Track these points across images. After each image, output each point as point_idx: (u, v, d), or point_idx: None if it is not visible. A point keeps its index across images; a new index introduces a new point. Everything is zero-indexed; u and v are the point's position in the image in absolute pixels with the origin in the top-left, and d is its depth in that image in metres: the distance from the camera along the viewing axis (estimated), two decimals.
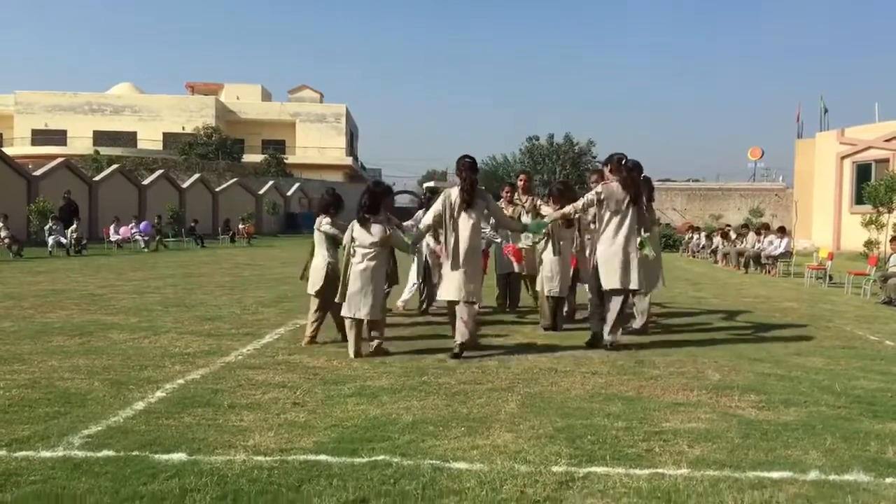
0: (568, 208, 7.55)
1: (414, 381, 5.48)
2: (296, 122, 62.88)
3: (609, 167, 7.28)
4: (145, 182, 33.06)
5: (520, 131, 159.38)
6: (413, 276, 9.56)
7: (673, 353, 6.82)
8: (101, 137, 56.73)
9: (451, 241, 6.70)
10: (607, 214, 7.08)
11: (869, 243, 16.59)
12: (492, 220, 7.62)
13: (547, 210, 8.68)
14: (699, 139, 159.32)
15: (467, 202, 6.71)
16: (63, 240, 20.61)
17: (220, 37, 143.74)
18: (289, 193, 45.25)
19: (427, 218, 7.02)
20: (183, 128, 57.51)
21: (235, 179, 40.47)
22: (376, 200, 6.86)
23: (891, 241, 12.83)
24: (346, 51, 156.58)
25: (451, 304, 6.84)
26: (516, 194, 9.84)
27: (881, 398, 5.14)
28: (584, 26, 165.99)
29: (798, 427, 4.36)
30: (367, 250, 6.66)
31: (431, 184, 67.91)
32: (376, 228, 6.71)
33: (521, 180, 10.00)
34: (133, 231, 24.04)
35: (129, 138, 58.02)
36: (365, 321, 6.63)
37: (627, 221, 7.04)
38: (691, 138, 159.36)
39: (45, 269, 15.38)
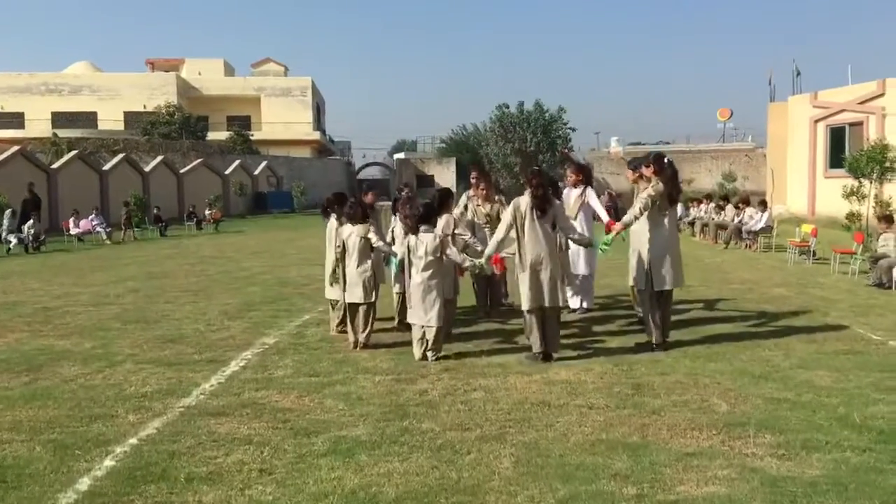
0: (629, 216, 7.23)
1: (394, 429, 4.95)
2: (261, 97, 61.39)
3: (652, 167, 7.28)
4: (106, 167, 31.94)
5: (490, 99, 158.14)
6: (392, 283, 8.82)
7: (670, 370, 6.36)
8: (59, 119, 55.00)
9: (528, 249, 6.72)
10: (657, 215, 7.13)
11: (851, 216, 16.26)
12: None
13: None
14: (668, 101, 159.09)
15: (541, 209, 6.69)
16: (21, 237, 19.67)
17: (180, 10, 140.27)
18: (256, 172, 44.18)
19: (501, 230, 6.96)
20: (144, 106, 55.85)
21: (200, 160, 39.31)
22: (432, 212, 7.16)
23: (878, 219, 12.49)
24: (310, 22, 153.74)
25: (534, 313, 6.75)
26: (478, 194, 9.23)
27: None
28: None
29: (828, 487, 3.89)
30: (424, 262, 6.90)
31: (401, 155, 67.15)
32: (432, 241, 6.91)
33: (473, 178, 9.42)
34: (94, 223, 23.12)
35: (88, 119, 56.31)
36: (427, 330, 6.86)
37: (672, 220, 7.30)
38: (660, 101, 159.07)
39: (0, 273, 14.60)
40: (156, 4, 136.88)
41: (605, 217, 8.86)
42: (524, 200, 6.82)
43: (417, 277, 6.92)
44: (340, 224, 7.70)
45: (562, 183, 9.57)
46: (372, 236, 7.45)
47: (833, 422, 4.94)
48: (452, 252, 7.17)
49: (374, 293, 7.46)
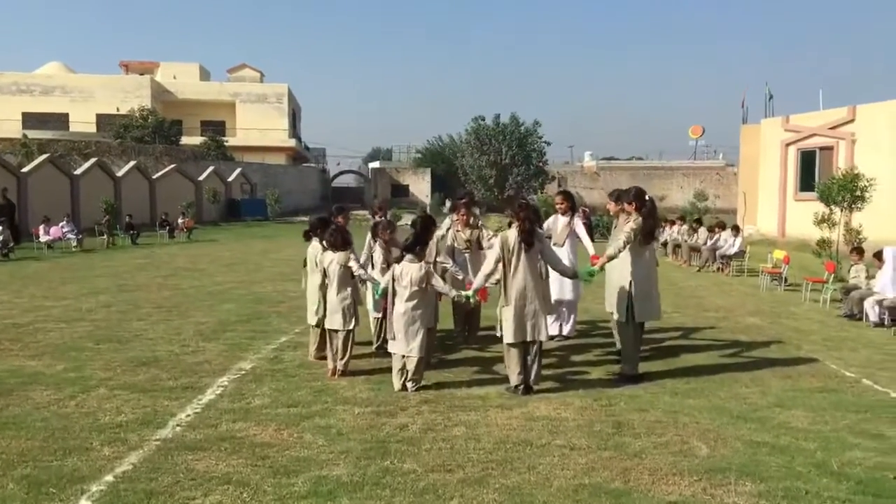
0: (613, 250, 7.30)
1: (375, 468, 4.91)
2: (236, 103, 60.94)
3: (633, 203, 7.39)
4: (77, 171, 31.49)
5: (466, 111, 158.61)
6: (370, 308, 8.74)
7: (649, 406, 6.39)
8: (30, 120, 54.16)
9: (514, 283, 6.77)
10: (639, 248, 7.26)
11: (822, 242, 16.50)
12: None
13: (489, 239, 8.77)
14: (641, 117, 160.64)
15: (528, 244, 6.74)
16: None
17: (156, 13, 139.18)
18: (230, 179, 43.83)
19: (489, 264, 6.97)
20: (117, 109, 55.21)
21: (173, 166, 38.92)
22: (418, 241, 7.12)
23: (850, 251, 12.68)
24: (286, 28, 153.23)
25: (516, 346, 6.80)
26: (470, 216, 9.23)
27: (883, 483, 4.75)
28: (528, 7, 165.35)
29: None
30: (409, 291, 6.86)
31: (377, 164, 67.04)
32: (418, 271, 6.89)
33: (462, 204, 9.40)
34: (65, 230, 22.78)
35: (60, 120, 55.51)
36: (408, 360, 6.84)
37: (651, 253, 7.49)
38: (633, 116, 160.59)
39: None
40: (131, 6, 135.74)
41: (590, 248, 8.98)
42: (512, 234, 6.85)
43: (401, 307, 6.88)
44: (324, 250, 7.66)
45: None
46: (353, 265, 7.42)
47: (812, 468, 4.98)
48: (438, 282, 7.15)
49: (353, 320, 7.42)
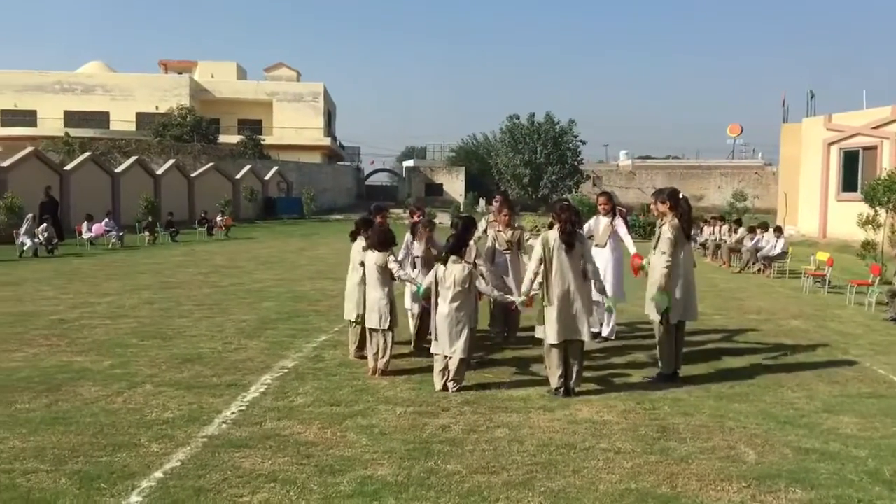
0: (665, 261, 7.22)
1: (420, 469, 4.91)
2: (272, 102, 61.53)
3: (667, 203, 7.39)
4: (118, 169, 32.01)
5: (500, 110, 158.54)
6: (408, 304, 8.79)
7: (694, 411, 6.32)
8: (72, 118, 55.25)
9: (555, 283, 6.73)
10: (678, 250, 7.23)
11: (867, 244, 16.18)
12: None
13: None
14: (678, 115, 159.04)
15: (570, 245, 6.71)
16: (35, 240, 19.66)
17: (194, 12, 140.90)
18: (266, 177, 44.25)
19: (533, 265, 6.91)
20: (156, 107, 56.06)
21: (211, 164, 39.39)
22: (461, 243, 7.17)
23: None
24: (323, 28, 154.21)
25: (558, 347, 6.77)
26: (500, 220, 9.20)
27: None
28: (563, 6, 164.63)
29: None
30: (452, 292, 6.86)
31: (411, 163, 67.16)
32: (461, 271, 6.89)
33: (496, 202, 9.43)
34: (106, 228, 23.17)
35: (101, 118, 56.53)
36: (450, 361, 6.82)
37: (687, 253, 7.44)
38: (670, 114, 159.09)
39: (13, 280, 14.60)
40: (170, 6, 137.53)
41: (631, 248, 8.94)
42: (552, 235, 6.83)
43: (445, 308, 6.89)
44: (365, 249, 7.71)
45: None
46: (392, 266, 7.44)
47: (864, 476, 4.88)
48: (481, 283, 7.16)
49: (389, 320, 7.43)
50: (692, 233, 8.32)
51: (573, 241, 6.76)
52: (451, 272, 6.93)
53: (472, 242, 7.93)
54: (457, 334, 6.84)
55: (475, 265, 7.77)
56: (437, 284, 7.01)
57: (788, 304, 12.79)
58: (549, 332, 6.78)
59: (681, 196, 7.54)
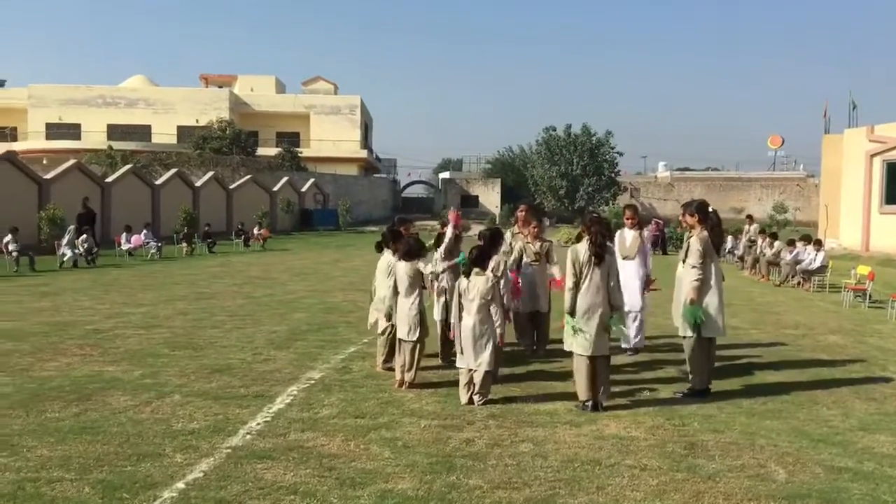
0: (696, 275, 7.16)
1: (441, 483, 4.87)
2: (310, 115, 62.21)
3: (697, 216, 7.31)
4: (158, 182, 32.56)
5: (537, 122, 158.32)
6: (437, 315, 8.71)
7: (724, 427, 6.18)
8: (115, 131, 56.42)
9: (586, 296, 6.67)
10: (707, 263, 7.19)
11: None
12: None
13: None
14: (717, 126, 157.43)
15: (600, 258, 6.66)
16: (76, 251, 20.04)
17: (235, 27, 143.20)
18: (303, 190, 44.68)
19: (570, 281, 6.84)
20: (197, 121, 57.02)
21: (249, 177, 39.91)
22: (485, 254, 7.10)
23: None
24: (359, 41, 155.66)
25: (584, 360, 6.71)
26: (529, 232, 9.18)
27: None
28: (600, 16, 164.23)
29: None
30: (476, 304, 6.81)
31: (447, 174, 67.28)
32: (485, 283, 6.85)
33: (521, 212, 9.41)
34: (145, 239, 23.55)
35: (143, 132, 57.63)
36: (475, 373, 6.77)
37: (717, 267, 7.32)
38: (709, 125, 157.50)
39: (53, 290, 14.88)
40: (211, 22, 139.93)
41: (649, 264, 9.18)
42: (582, 248, 6.76)
43: (469, 320, 6.84)
44: (396, 260, 7.73)
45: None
46: (420, 265, 7.45)
47: None
48: (496, 312, 6.95)
49: (418, 330, 7.40)
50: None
51: (604, 253, 6.69)
52: (475, 284, 6.88)
53: (499, 256, 7.87)
54: (482, 347, 6.79)
55: (498, 281, 7.70)
56: (461, 297, 6.97)
57: (827, 319, 12.51)
58: (578, 344, 6.70)
59: (710, 209, 7.43)
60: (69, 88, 59.27)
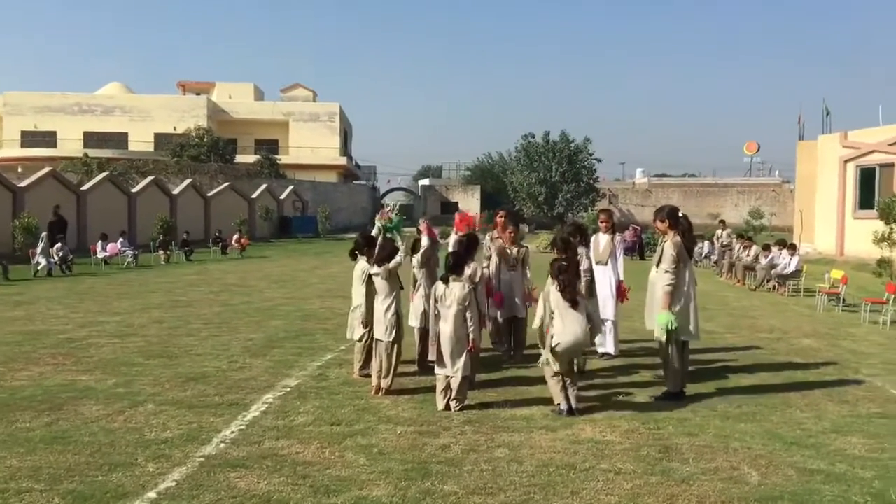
0: (670, 280, 7.15)
1: (416, 490, 4.85)
2: (289, 122, 62.07)
3: (668, 221, 7.36)
4: (135, 190, 32.30)
5: (515, 129, 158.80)
6: (413, 322, 8.70)
7: (699, 431, 6.21)
8: (91, 138, 55.98)
9: (564, 334, 6.61)
10: (680, 267, 7.17)
11: (882, 262, 15.98)
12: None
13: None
14: (694, 133, 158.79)
15: (573, 303, 6.67)
16: (50, 260, 19.80)
17: (213, 35, 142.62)
18: (282, 197, 44.52)
19: (536, 322, 6.93)
20: (174, 128, 56.72)
21: (228, 184, 39.70)
22: (461, 261, 7.15)
23: None
24: (339, 48, 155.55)
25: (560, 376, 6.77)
26: (505, 237, 9.16)
27: None
28: (578, 23, 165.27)
29: None
30: (453, 311, 6.82)
31: (426, 181, 67.31)
32: (461, 289, 6.86)
33: (500, 217, 9.42)
34: (121, 247, 23.33)
35: (119, 139, 57.21)
36: (452, 380, 6.78)
37: (690, 272, 7.35)
38: (686, 132, 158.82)
39: (27, 299, 14.71)
40: (189, 29, 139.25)
41: (621, 271, 9.17)
42: (554, 294, 6.74)
43: (447, 328, 6.83)
44: (371, 266, 7.72)
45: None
46: (393, 262, 7.40)
47: (869, 498, 4.77)
48: (470, 317, 6.94)
49: (395, 332, 7.38)
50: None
51: (576, 299, 6.72)
52: (452, 290, 6.88)
53: (476, 263, 7.93)
54: (458, 353, 6.78)
55: (475, 288, 7.71)
56: (437, 303, 6.96)
57: (802, 323, 12.62)
58: (554, 361, 6.73)
59: (680, 213, 7.50)
60: (45, 96, 58.74)
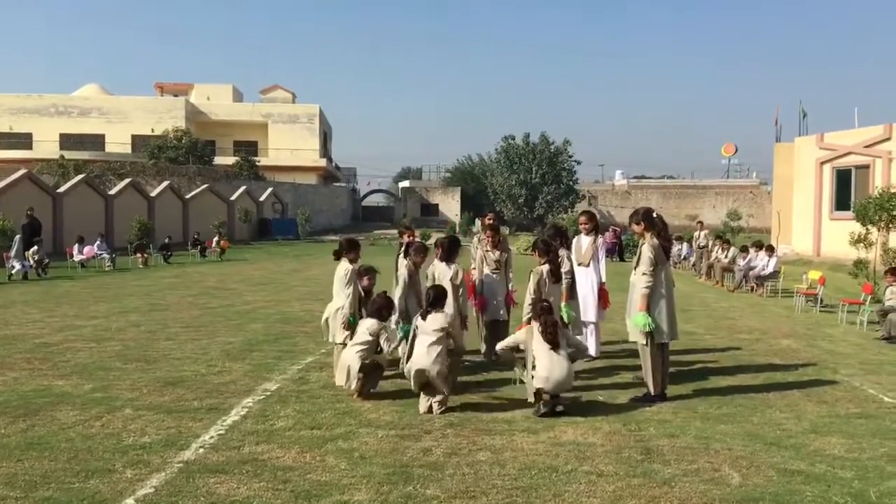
0: (646, 282, 7.18)
1: (397, 494, 4.82)
2: (268, 123, 61.75)
3: (643, 224, 7.36)
4: (112, 192, 31.99)
5: (496, 131, 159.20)
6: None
7: (680, 432, 6.23)
8: (67, 140, 55.40)
9: (547, 371, 6.65)
10: (658, 269, 7.23)
11: (859, 263, 16.15)
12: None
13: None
14: (673, 135, 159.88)
15: (554, 343, 6.76)
16: (25, 263, 19.56)
17: (191, 35, 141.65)
18: (261, 199, 44.29)
19: (509, 343, 7.25)
20: (152, 130, 56.24)
21: (206, 186, 39.44)
22: (442, 295, 7.26)
23: (886, 272, 12.39)
24: (318, 49, 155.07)
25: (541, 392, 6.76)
26: (497, 237, 9.19)
27: None
28: (558, 26, 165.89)
29: None
30: (433, 338, 6.89)
31: (406, 183, 67.30)
32: (443, 318, 7.00)
33: (489, 220, 9.51)
34: (98, 250, 23.09)
35: (96, 141, 56.68)
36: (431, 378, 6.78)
37: (667, 273, 7.38)
38: (665, 134, 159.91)
39: (1, 303, 14.49)
40: (166, 29, 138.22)
41: (603, 273, 9.18)
42: (535, 332, 6.84)
43: (424, 350, 6.91)
44: (359, 275, 7.77)
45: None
46: (383, 343, 7.36)
47: (849, 498, 4.80)
48: (457, 335, 7.19)
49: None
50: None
51: (557, 339, 6.81)
52: (434, 318, 7.04)
53: (457, 265, 8.04)
54: (440, 357, 6.78)
55: (457, 289, 7.82)
56: (417, 329, 7.10)
57: (780, 324, 12.72)
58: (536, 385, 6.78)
59: (654, 215, 7.53)
60: (20, 97, 58.07)
